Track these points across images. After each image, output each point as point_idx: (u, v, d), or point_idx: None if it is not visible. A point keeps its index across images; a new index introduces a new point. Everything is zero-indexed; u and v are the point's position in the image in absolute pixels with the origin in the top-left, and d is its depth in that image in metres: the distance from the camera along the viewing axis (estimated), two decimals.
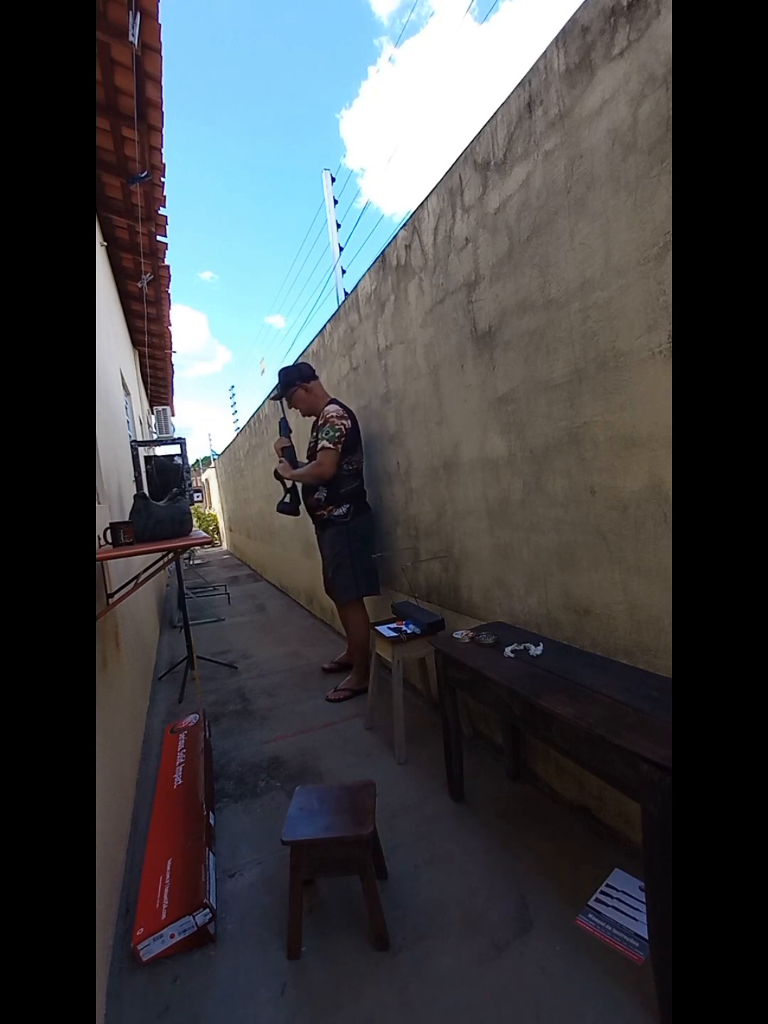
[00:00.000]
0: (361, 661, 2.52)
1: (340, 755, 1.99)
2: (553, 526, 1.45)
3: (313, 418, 2.59)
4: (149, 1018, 1.05)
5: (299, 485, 2.61)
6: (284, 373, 2.55)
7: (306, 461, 2.59)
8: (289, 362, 2.85)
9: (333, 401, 2.47)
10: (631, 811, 1.28)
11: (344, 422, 2.35)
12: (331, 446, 2.33)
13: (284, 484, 2.65)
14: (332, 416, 2.35)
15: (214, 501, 14.24)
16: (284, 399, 2.58)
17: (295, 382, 2.51)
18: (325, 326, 3.19)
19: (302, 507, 2.67)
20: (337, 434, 2.33)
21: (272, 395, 2.66)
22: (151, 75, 2.20)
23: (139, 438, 4.79)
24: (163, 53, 2.10)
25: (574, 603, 1.42)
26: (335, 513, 2.44)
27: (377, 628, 2.03)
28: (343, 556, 2.46)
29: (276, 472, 2.56)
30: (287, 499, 2.62)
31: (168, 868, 1.34)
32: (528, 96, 1.34)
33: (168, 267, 3.99)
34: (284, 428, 2.62)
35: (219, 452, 12.20)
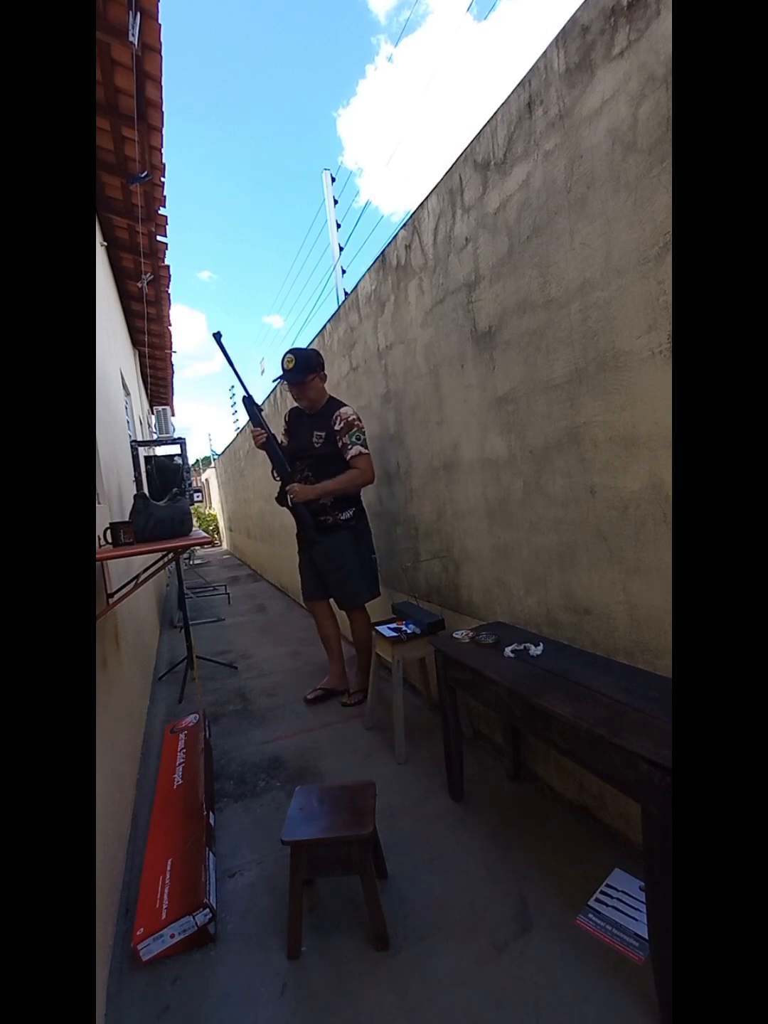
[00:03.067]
0: (365, 662, 2.37)
1: (340, 755, 1.99)
2: (553, 526, 1.45)
3: (296, 408, 2.40)
4: (149, 1018, 1.05)
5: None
6: (305, 355, 2.26)
7: (294, 456, 2.32)
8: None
9: (342, 403, 2.33)
10: (631, 811, 1.28)
11: (362, 424, 2.26)
12: (366, 451, 2.22)
13: (295, 506, 2.24)
14: (353, 419, 2.22)
15: (214, 501, 14.24)
16: (294, 385, 2.29)
17: (316, 368, 2.27)
18: (325, 326, 3.20)
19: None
20: (365, 438, 2.23)
21: (282, 377, 2.28)
22: (151, 75, 2.20)
23: (139, 438, 4.79)
24: (163, 53, 2.10)
25: (574, 603, 1.42)
26: (342, 517, 2.27)
27: (377, 628, 2.03)
28: (352, 562, 2.30)
29: (286, 499, 2.23)
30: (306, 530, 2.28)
31: (168, 868, 1.34)
32: (528, 96, 1.34)
33: (168, 267, 3.99)
34: (254, 411, 2.23)
35: (219, 452, 12.20)
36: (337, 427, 2.21)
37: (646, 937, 1.02)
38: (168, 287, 4.37)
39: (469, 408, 1.78)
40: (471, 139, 1.60)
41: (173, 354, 6.38)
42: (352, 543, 2.29)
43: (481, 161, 1.56)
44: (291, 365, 2.23)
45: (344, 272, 7.74)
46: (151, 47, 2.06)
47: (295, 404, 2.40)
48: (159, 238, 3.49)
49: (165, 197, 3.08)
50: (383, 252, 2.29)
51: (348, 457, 2.19)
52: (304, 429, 2.31)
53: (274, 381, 2.47)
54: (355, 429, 2.19)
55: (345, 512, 2.28)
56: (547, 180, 1.31)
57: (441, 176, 1.77)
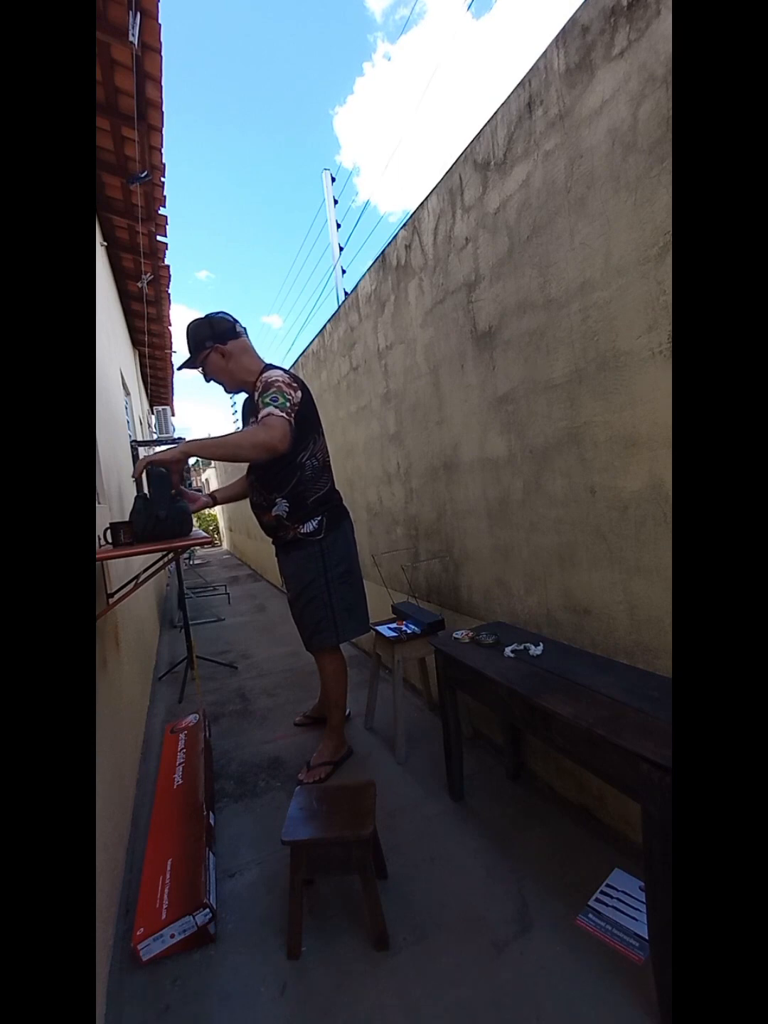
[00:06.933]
0: (337, 723, 1.92)
1: None
2: (553, 526, 1.45)
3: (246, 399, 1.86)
4: (149, 1018, 1.05)
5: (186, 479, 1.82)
6: (192, 329, 1.74)
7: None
8: (287, 362, 2.18)
9: (273, 366, 1.78)
10: (631, 811, 1.28)
11: (292, 394, 1.65)
12: (283, 414, 1.57)
13: (146, 485, 1.49)
14: (278, 381, 1.64)
15: None
16: (203, 371, 1.79)
17: (205, 343, 1.71)
18: (325, 326, 3.20)
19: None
20: (287, 403, 1.60)
21: (181, 367, 1.83)
22: (151, 75, 2.20)
23: (139, 438, 4.79)
24: (163, 53, 2.10)
25: (574, 603, 1.42)
26: (303, 530, 1.76)
27: (377, 628, 2.03)
28: (315, 588, 1.78)
29: (144, 468, 1.46)
30: (159, 513, 1.43)
31: (168, 868, 1.34)
32: (528, 96, 1.34)
33: (168, 267, 3.99)
34: (157, 486, 1.48)
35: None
36: (255, 394, 1.68)
37: (646, 937, 1.02)
38: (168, 287, 4.36)
39: (469, 408, 1.78)
40: (471, 139, 1.60)
41: (173, 354, 6.38)
42: (318, 564, 1.77)
43: (481, 161, 1.56)
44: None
45: (344, 272, 7.73)
46: (151, 47, 2.06)
47: None
48: (159, 238, 3.49)
49: (165, 197, 3.08)
50: (383, 252, 2.29)
51: (259, 417, 1.59)
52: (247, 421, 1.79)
53: (178, 369, 1.90)
54: (272, 390, 1.61)
55: (307, 523, 1.76)
56: (547, 180, 1.31)
57: (441, 176, 1.77)
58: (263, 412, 1.58)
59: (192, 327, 1.74)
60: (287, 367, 1.87)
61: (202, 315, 1.77)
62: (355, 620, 1.87)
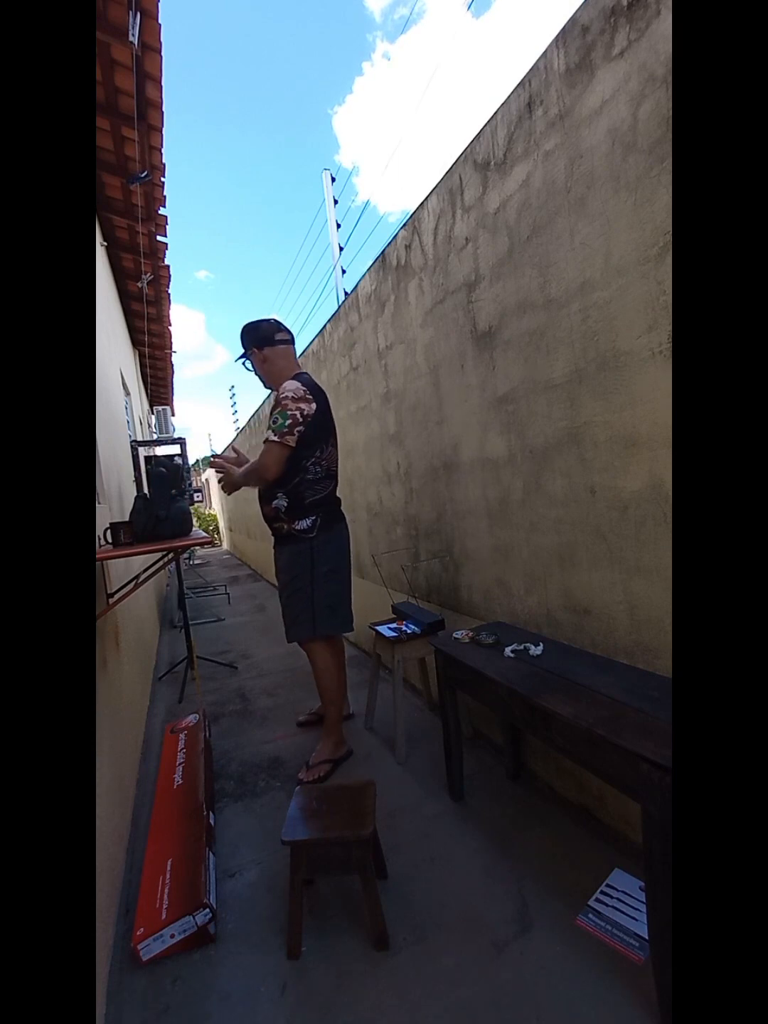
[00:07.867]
0: (334, 720, 1.93)
1: None
2: (553, 526, 1.45)
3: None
4: (149, 1018, 1.05)
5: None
6: (245, 329, 1.96)
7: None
8: None
9: (298, 376, 1.87)
10: (631, 811, 1.28)
11: (301, 407, 1.76)
12: (277, 439, 1.74)
13: (146, 484, 1.71)
14: (286, 397, 1.75)
15: (214, 501, 14.24)
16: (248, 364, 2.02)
17: (253, 343, 1.93)
18: (325, 326, 3.20)
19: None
20: (286, 423, 1.73)
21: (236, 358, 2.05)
22: (151, 75, 2.20)
23: (139, 438, 4.79)
24: (163, 53, 2.10)
25: (574, 603, 1.42)
26: (297, 527, 1.86)
27: (377, 628, 2.04)
28: (301, 581, 1.87)
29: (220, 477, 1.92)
30: (158, 513, 1.60)
31: (168, 868, 1.34)
32: (528, 96, 1.34)
33: (168, 267, 3.99)
34: (157, 486, 1.70)
35: (219, 452, 12.18)
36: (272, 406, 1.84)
37: (646, 937, 1.02)
38: (168, 287, 4.36)
39: (469, 408, 1.78)
40: (471, 139, 1.60)
41: (173, 354, 6.38)
42: (305, 561, 1.87)
43: (481, 161, 1.56)
44: None
45: (344, 272, 7.73)
46: (151, 47, 2.06)
47: None
48: (159, 238, 3.49)
49: (165, 197, 3.08)
50: (383, 252, 2.29)
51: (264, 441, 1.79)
52: None
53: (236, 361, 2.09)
54: (277, 409, 1.76)
55: (301, 521, 1.85)
56: (547, 180, 1.31)
57: (441, 176, 1.77)
58: (265, 437, 1.78)
59: (243, 329, 1.97)
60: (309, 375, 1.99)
61: (256, 319, 1.98)
62: (336, 618, 1.93)
